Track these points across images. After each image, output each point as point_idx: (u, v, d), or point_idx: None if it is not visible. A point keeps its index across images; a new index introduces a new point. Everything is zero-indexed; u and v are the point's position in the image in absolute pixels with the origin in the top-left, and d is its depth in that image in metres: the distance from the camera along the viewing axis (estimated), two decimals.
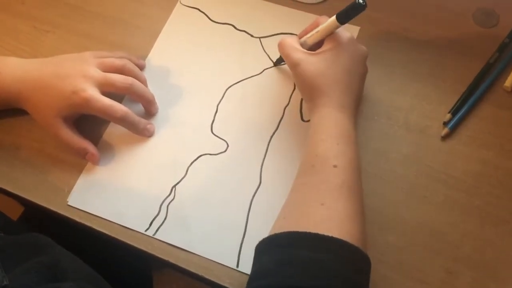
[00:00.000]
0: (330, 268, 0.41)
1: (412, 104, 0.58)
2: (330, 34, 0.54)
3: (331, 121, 0.51)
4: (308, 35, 0.56)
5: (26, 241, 0.42)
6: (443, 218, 0.52)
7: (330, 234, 0.42)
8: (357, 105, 0.55)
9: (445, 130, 0.56)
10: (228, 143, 0.57)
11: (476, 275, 0.49)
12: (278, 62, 0.62)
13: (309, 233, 0.43)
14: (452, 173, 0.54)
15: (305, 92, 0.54)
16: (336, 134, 0.50)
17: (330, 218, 0.44)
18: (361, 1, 0.50)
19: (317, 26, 0.55)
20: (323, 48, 0.54)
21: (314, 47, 0.56)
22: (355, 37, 0.62)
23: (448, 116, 0.57)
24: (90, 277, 0.44)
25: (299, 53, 0.54)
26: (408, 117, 0.57)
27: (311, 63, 0.53)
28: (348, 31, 0.55)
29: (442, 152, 0.55)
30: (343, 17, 0.52)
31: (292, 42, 0.55)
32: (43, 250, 0.42)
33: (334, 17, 0.52)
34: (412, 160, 0.55)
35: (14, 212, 0.75)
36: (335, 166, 0.47)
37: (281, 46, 0.56)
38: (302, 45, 0.56)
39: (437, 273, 0.49)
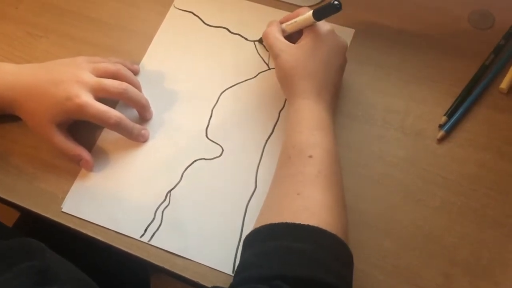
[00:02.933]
0: (309, 257, 0.41)
1: (408, 107, 0.58)
2: (310, 26, 0.55)
3: (307, 112, 0.51)
4: (288, 22, 0.57)
5: (17, 246, 0.42)
6: (439, 221, 0.52)
7: (307, 223, 0.43)
8: (335, 97, 0.56)
9: (441, 133, 0.55)
10: (223, 148, 0.57)
11: (472, 278, 0.49)
12: (261, 41, 0.63)
13: (287, 223, 0.43)
14: (448, 176, 0.54)
15: (283, 83, 0.56)
16: (311, 125, 0.50)
17: (307, 208, 0.45)
18: (336, 3, 0.51)
19: (297, 16, 0.56)
20: (303, 39, 0.55)
21: (296, 34, 0.57)
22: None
23: (444, 118, 0.56)
24: (82, 281, 0.43)
25: (280, 44, 0.55)
26: (404, 120, 0.57)
27: (290, 54, 0.54)
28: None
29: (438, 155, 0.55)
30: (318, 14, 0.53)
31: (275, 33, 0.57)
32: (34, 255, 0.42)
33: (311, 12, 0.53)
34: (408, 163, 0.55)
35: (10, 217, 0.75)
36: (310, 157, 0.48)
37: (265, 37, 0.58)
38: (283, 31, 0.57)
39: (433, 277, 0.49)
